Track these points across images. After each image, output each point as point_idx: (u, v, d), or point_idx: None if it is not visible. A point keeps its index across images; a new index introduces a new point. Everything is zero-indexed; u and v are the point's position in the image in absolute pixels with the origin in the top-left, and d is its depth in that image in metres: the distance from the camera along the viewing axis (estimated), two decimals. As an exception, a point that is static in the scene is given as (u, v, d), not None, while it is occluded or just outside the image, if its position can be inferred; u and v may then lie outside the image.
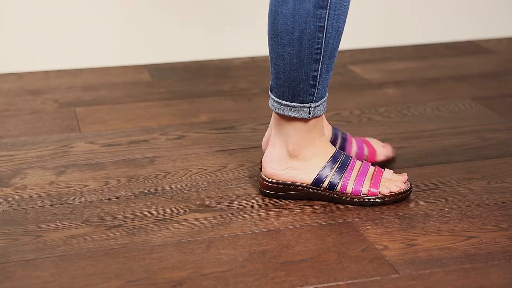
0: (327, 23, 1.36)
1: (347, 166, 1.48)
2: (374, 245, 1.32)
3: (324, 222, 1.41)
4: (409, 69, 2.35)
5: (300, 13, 1.36)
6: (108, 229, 1.39)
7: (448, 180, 1.57)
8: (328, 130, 1.61)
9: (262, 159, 1.51)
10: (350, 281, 1.22)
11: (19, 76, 2.32)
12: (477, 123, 1.87)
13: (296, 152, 1.47)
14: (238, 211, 1.45)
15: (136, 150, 1.74)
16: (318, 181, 1.47)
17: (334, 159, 1.47)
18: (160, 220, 1.42)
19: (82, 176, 1.61)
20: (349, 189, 1.46)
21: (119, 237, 1.36)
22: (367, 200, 1.46)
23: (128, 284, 1.22)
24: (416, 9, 2.63)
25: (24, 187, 1.56)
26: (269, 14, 1.40)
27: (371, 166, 1.50)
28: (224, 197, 1.51)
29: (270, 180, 1.49)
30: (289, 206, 1.47)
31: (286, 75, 1.41)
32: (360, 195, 1.46)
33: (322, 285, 1.22)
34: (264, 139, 1.60)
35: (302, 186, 1.48)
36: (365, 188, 1.46)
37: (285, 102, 1.43)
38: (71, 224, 1.41)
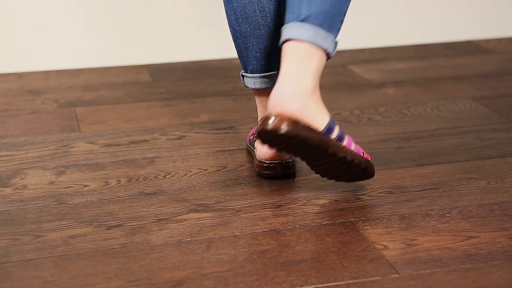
0: None
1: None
2: (374, 245, 1.32)
3: (324, 222, 1.41)
4: (409, 69, 2.35)
5: None
6: (108, 229, 1.39)
7: (448, 180, 1.57)
8: None
9: (272, 97, 1.37)
10: (350, 281, 1.22)
11: (19, 76, 2.32)
12: (477, 123, 1.87)
13: (316, 93, 1.39)
14: (238, 211, 1.45)
15: (136, 150, 1.74)
16: (329, 130, 1.40)
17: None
18: (160, 220, 1.42)
19: (82, 176, 1.61)
20: (352, 147, 1.46)
21: (119, 237, 1.36)
22: (365, 161, 1.46)
23: (128, 284, 1.22)
24: (416, 9, 2.63)
25: (24, 187, 1.56)
26: None
27: None
28: (224, 197, 1.51)
29: (292, 120, 1.34)
30: (289, 206, 1.47)
31: (334, 3, 1.40)
32: (362, 154, 1.47)
33: (322, 285, 1.22)
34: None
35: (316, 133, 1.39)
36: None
37: (324, 32, 1.38)
38: (71, 224, 1.41)
